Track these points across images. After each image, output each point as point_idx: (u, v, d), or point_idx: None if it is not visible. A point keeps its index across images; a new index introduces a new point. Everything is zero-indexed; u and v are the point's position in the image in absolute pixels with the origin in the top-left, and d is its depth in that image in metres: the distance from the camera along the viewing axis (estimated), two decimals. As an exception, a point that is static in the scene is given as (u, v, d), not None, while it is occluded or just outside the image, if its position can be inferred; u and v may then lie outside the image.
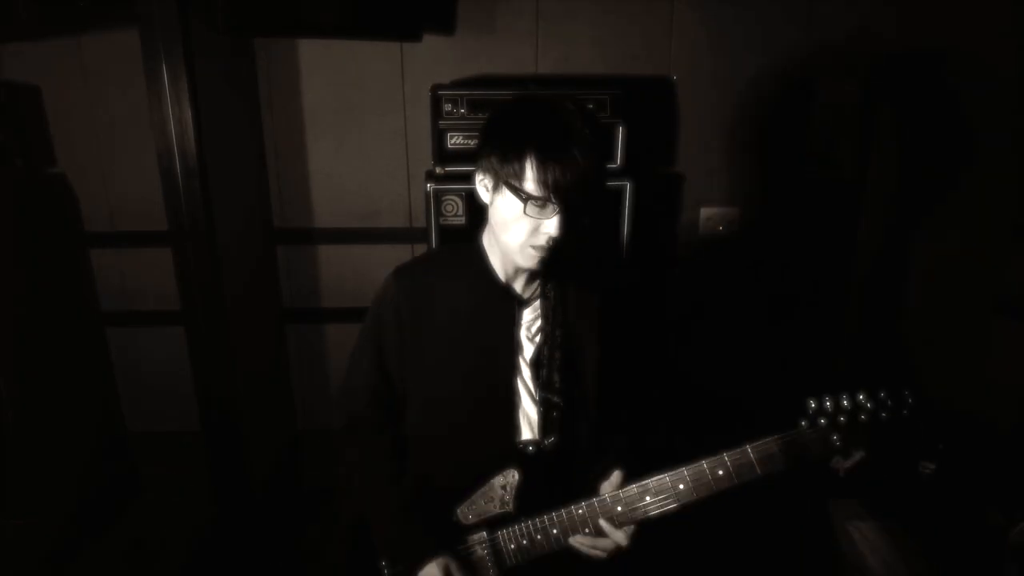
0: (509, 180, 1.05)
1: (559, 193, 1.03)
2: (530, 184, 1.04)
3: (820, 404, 1.01)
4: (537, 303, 1.24)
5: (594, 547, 1.11)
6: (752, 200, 2.56)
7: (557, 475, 1.20)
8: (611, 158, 2.09)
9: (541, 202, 1.04)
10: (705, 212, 2.57)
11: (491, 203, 1.13)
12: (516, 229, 1.08)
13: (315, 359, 2.72)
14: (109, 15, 2.14)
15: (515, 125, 1.08)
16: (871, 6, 2.36)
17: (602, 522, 1.10)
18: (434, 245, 2.08)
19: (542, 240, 1.07)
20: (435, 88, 2.03)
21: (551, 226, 1.06)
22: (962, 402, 2.62)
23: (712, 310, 2.68)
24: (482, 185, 1.14)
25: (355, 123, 2.47)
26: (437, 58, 2.37)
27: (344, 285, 2.63)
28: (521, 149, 1.04)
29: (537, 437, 1.21)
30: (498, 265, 1.22)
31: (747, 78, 2.44)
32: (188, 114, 1.87)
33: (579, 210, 1.07)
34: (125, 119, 2.37)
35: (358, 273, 2.60)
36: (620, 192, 2.10)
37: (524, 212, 1.05)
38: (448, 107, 2.01)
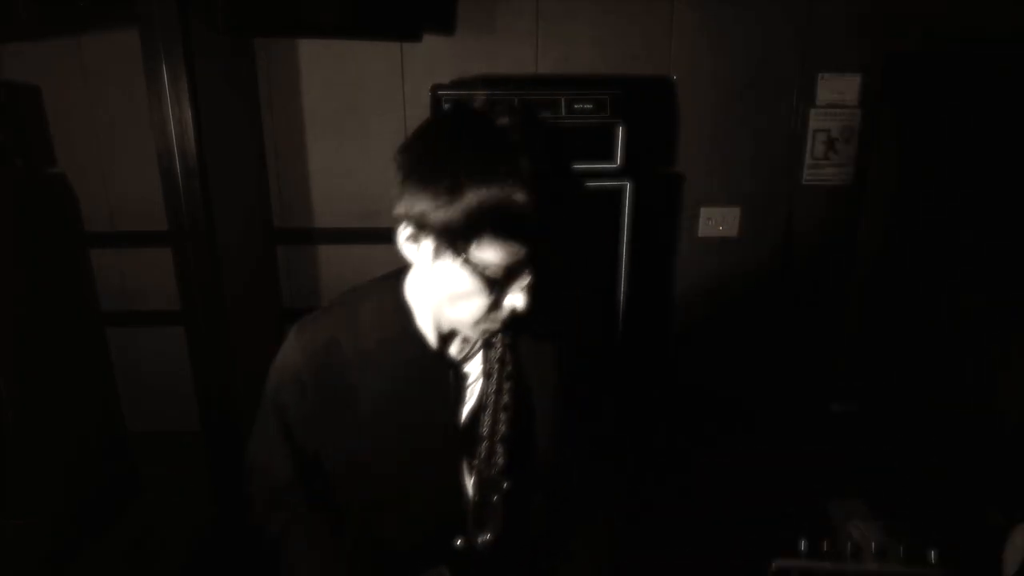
0: (462, 254, 0.78)
1: (532, 256, 0.78)
2: (491, 254, 0.77)
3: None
4: (478, 356, 0.96)
5: None
6: (752, 200, 2.56)
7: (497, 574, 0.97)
8: (611, 158, 2.10)
9: (508, 271, 0.79)
10: (705, 212, 2.57)
11: (428, 266, 0.84)
12: (470, 305, 0.83)
13: (315, 359, 2.72)
14: (109, 15, 2.14)
15: (455, 169, 0.76)
16: (871, 6, 2.36)
17: None
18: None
19: (505, 314, 0.84)
20: (435, 88, 2.03)
21: (519, 299, 0.82)
22: (962, 402, 2.62)
23: (712, 310, 2.68)
24: (408, 238, 0.85)
25: (355, 123, 2.47)
26: (437, 58, 2.37)
27: (344, 285, 2.58)
28: (473, 215, 0.74)
29: (470, 530, 0.93)
30: (428, 327, 0.94)
31: (747, 78, 2.44)
32: (188, 114, 1.87)
33: (549, 256, 0.82)
34: (125, 119, 2.37)
35: (358, 273, 2.57)
36: (620, 192, 2.10)
37: (489, 293, 0.81)
38: (448, 107, 2.02)
